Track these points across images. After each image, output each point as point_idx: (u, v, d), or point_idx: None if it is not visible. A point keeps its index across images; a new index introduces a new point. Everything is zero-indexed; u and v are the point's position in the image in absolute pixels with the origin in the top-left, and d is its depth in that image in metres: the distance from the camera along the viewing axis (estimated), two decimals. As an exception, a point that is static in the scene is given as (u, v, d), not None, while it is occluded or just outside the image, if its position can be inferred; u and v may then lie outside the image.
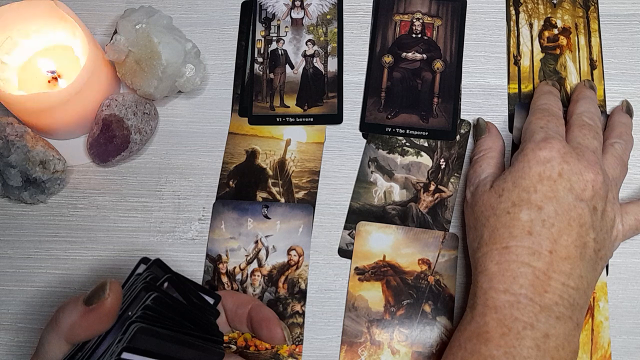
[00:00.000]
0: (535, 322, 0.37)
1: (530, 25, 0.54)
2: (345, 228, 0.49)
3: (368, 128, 0.52)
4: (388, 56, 0.54)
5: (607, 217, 0.41)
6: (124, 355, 0.33)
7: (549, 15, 0.55)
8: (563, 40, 0.54)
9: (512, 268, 0.39)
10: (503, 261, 0.39)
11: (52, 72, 0.52)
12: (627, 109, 0.50)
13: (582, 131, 0.44)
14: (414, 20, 0.54)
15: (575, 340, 0.39)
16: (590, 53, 0.53)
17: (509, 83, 0.53)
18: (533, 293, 0.38)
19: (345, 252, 0.49)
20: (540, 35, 0.54)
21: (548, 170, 0.40)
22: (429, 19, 0.54)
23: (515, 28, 0.54)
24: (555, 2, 0.55)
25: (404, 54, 0.53)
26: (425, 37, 0.54)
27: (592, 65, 0.53)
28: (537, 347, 0.37)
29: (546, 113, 0.45)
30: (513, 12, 0.55)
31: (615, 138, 0.46)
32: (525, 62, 0.53)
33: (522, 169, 0.41)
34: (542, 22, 0.54)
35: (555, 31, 0.54)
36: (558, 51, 0.53)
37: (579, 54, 0.53)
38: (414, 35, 0.54)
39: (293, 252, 0.49)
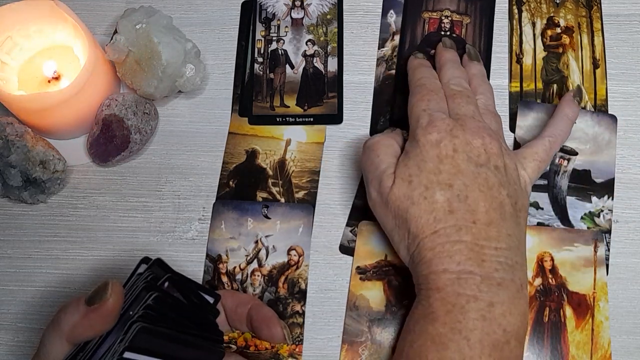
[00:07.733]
0: (478, 292, 0.38)
1: (533, 24, 0.54)
2: (347, 225, 0.49)
3: (396, 125, 0.51)
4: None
5: (510, 169, 0.42)
6: (126, 354, 0.33)
7: (551, 15, 0.55)
8: (566, 39, 0.54)
9: (446, 249, 0.39)
10: (436, 245, 0.40)
11: (53, 72, 0.52)
12: (470, 54, 0.50)
13: (455, 101, 0.44)
14: (443, 18, 0.54)
15: (522, 302, 0.39)
16: (593, 52, 0.53)
17: (510, 81, 0.53)
18: (471, 266, 0.38)
19: (346, 249, 0.49)
20: (543, 34, 0.54)
21: (443, 150, 0.41)
22: (457, 16, 0.54)
23: (518, 26, 0.54)
24: (558, 1, 0.55)
25: (433, 51, 0.53)
26: (454, 35, 0.54)
27: (595, 64, 0.53)
28: (482, 317, 0.37)
29: (425, 90, 0.45)
30: (516, 10, 0.55)
31: (477, 95, 0.46)
32: (527, 60, 0.53)
33: (420, 153, 0.42)
34: (544, 21, 0.54)
35: (558, 30, 0.54)
36: (561, 50, 0.53)
37: (581, 53, 0.53)
38: (442, 33, 0.54)
39: (293, 252, 0.49)
